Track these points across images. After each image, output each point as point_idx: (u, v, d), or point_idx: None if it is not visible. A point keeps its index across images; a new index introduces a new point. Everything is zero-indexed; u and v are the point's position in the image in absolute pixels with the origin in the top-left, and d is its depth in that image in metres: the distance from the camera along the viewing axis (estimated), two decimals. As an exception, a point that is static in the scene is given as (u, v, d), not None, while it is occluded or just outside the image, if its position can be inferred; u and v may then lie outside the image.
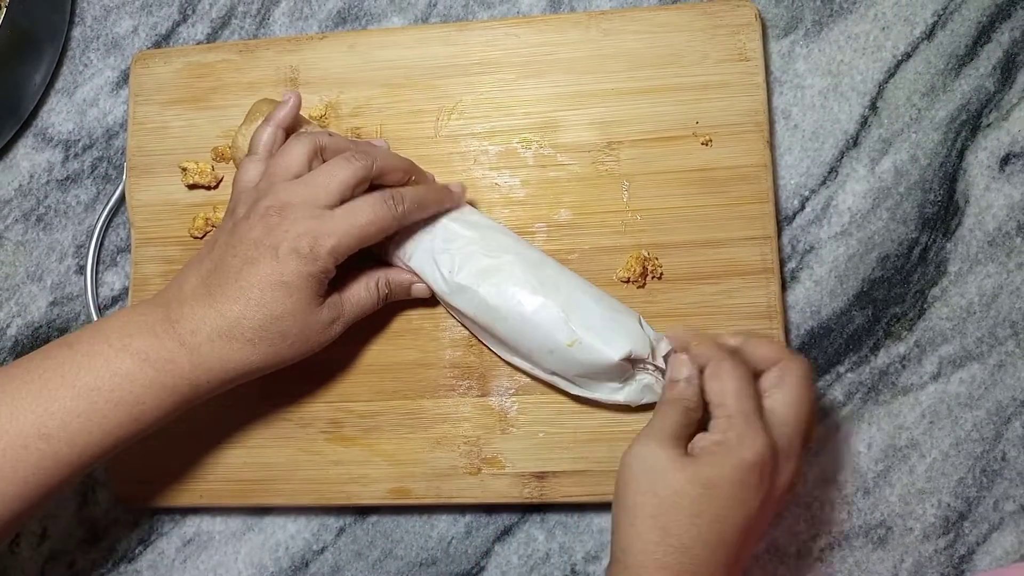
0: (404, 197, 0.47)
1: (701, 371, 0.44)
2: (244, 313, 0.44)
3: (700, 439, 0.42)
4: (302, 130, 0.51)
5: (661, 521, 0.40)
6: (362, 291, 0.49)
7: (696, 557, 0.40)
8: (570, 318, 0.47)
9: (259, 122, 0.51)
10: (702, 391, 0.44)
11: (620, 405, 0.50)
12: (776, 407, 0.42)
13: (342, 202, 0.46)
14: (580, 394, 0.50)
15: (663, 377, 0.49)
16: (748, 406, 0.41)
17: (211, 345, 0.44)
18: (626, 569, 0.41)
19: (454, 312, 0.52)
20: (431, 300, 0.53)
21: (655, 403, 0.49)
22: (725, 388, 0.42)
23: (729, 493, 0.40)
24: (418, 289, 0.51)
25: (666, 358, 0.47)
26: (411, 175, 0.50)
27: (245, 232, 0.45)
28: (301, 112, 0.55)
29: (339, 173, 0.46)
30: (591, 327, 0.47)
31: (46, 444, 0.42)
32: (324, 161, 0.47)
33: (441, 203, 0.50)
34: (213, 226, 0.56)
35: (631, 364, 0.48)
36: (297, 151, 0.47)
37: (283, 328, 0.45)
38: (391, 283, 0.50)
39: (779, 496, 0.42)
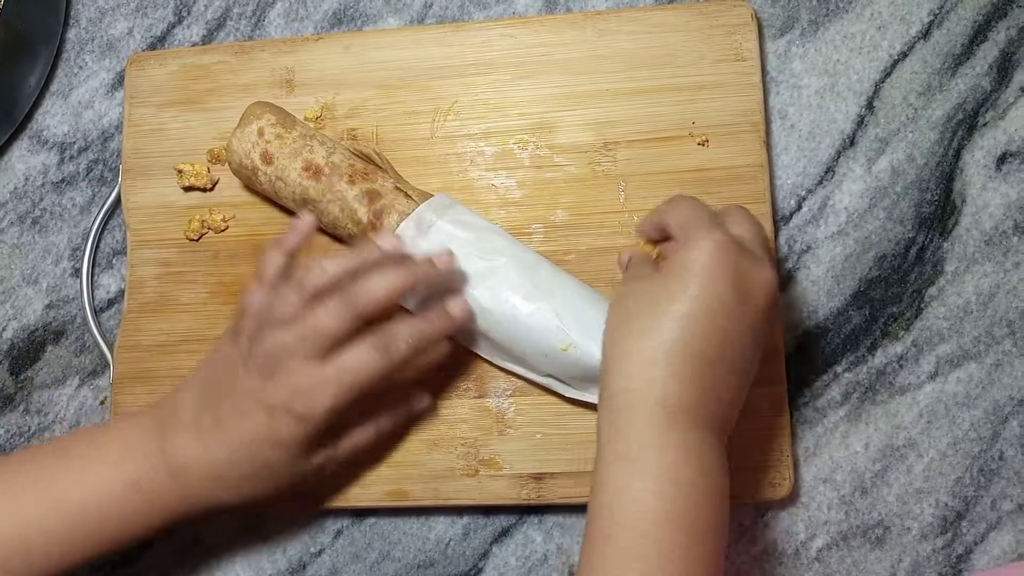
0: (399, 341, 0.45)
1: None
2: (233, 461, 0.45)
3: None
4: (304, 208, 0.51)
5: (637, 317, 0.40)
6: (358, 435, 0.49)
7: (676, 339, 0.39)
8: (564, 322, 0.47)
9: (253, 127, 0.51)
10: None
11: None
12: (728, 225, 0.43)
13: (335, 345, 0.44)
14: (576, 397, 0.50)
15: None
16: (701, 213, 0.42)
17: (199, 484, 0.46)
18: (610, 351, 0.41)
19: None
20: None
21: None
22: (678, 210, 0.43)
23: (699, 275, 0.39)
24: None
25: None
26: (405, 292, 0.47)
27: (241, 378, 0.45)
28: (297, 114, 0.55)
29: (329, 323, 0.44)
30: (586, 331, 0.47)
31: (25, 556, 0.43)
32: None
33: (440, 336, 0.48)
34: (209, 228, 0.56)
35: None
36: (291, 299, 0.45)
37: (271, 476, 0.46)
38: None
39: (757, 291, 0.41)
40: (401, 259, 0.47)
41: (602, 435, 0.41)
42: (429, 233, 0.49)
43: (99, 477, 0.45)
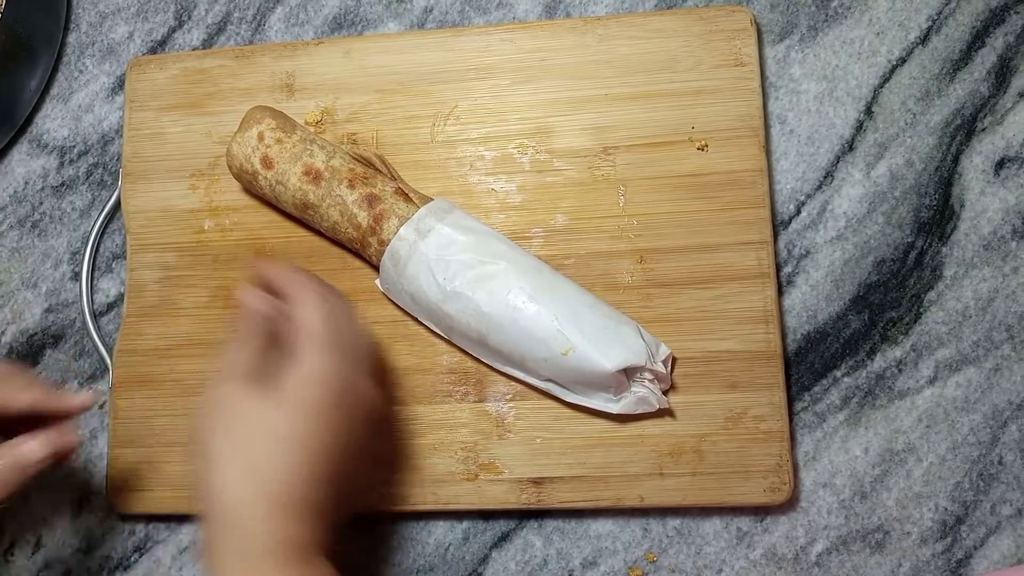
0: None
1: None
2: None
3: (282, 371, 0.41)
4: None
5: (249, 455, 0.39)
6: None
7: (290, 488, 0.38)
8: (564, 326, 0.47)
9: (253, 131, 0.52)
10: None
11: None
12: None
13: None
14: (575, 401, 0.50)
15: (659, 386, 0.49)
16: (324, 332, 0.41)
17: None
18: (223, 517, 0.38)
19: (442, 326, 0.51)
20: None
21: (650, 411, 0.49)
22: (302, 316, 0.42)
23: (314, 414, 0.40)
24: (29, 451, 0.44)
25: (663, 363, 0.47)
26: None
27: None
28: (297, 119, 0.55)
29: None
30: (586, 336, 0.47)
31: None
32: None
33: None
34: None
35: (627, 375, 0.48)
36: None
37: None
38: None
39: (357, 407, 0.42)
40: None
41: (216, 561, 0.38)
42: (428, 237, 0.50)
43: None
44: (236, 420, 0.40)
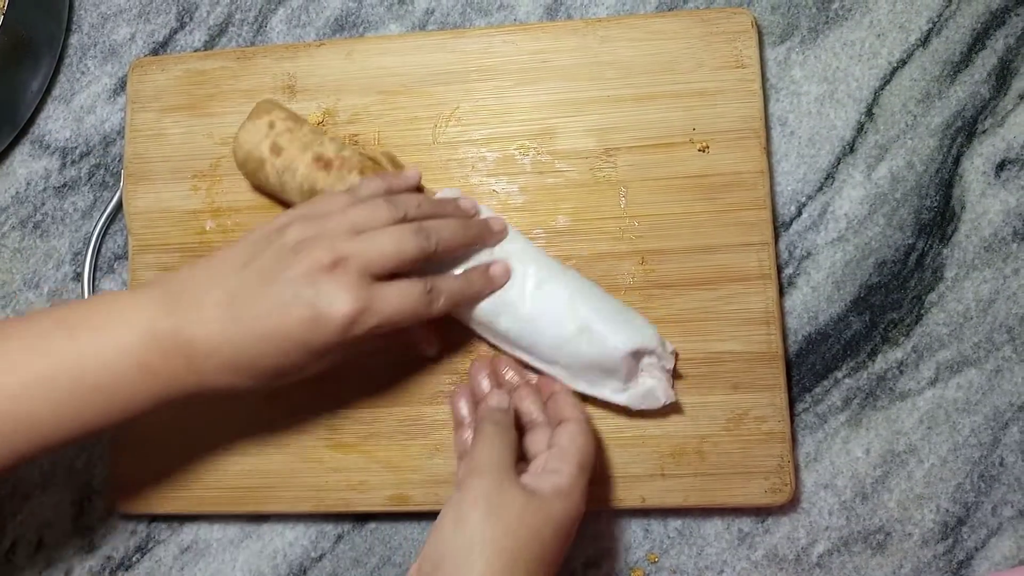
0: (441, 294, 0.46)
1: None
2: (260, 357, 0.43)
3: (543, 479, 0.43)
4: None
5: (515, 558, 0.40)
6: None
7: None
8: (577, 306, 0.47)
9: (263, 119, 0.52)
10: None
11: (619, 410, 0.50)
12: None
13: (393, 274, 0.44)
14: (582, 391, 0.50)
15: (670, 378, 0.49)
16: (588, 461, 0.45)
17: (218, 375, 0.43)
18: None
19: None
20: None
21: (655, 407, 0.49)
22: (585, 448, 0.45)
23: (564, 536, 0.43)
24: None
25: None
26: (469, 247, 0.49)
27: (287, 268, 0.43)
28: (304, 116, 0.55)
29: (402, 247, 0.44)
30: (599, 315, 0.47)
31: (10, 427, 0.42)
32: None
33: (478, 296, 0.48)
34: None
35: (636, 362, 0.48)
36: (380, 215, 0.45)
37: (293, 372, 0.44)
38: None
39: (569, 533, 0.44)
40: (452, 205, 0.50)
41: None
42: None
43: (102, 353, 0.42)
44: (503, 516, 0.41)
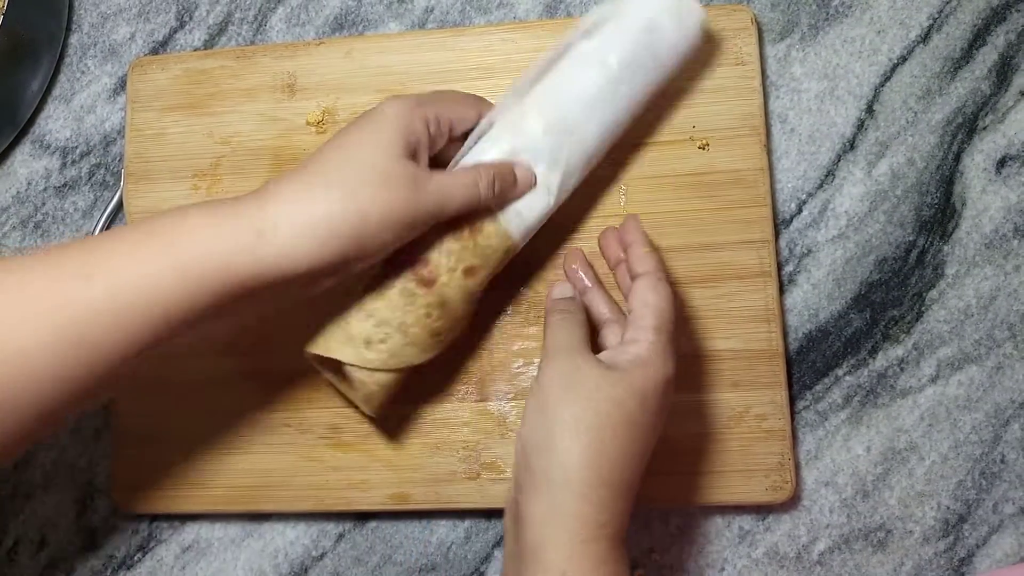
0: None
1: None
2: (323, 151, 0.42)
3: (620, 352, 0.41)
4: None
5: (601, 434, 0.39)
6: (466, 179, 0.44)
7: (623, 470, 0.39)
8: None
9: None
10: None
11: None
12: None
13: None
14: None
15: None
16: (669, 324, 0.42)
17: (286, 184, 0.40)
18: (553, 490, 0.38)
19: None
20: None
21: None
22: (659, 305, 0.43)
23: (654, 406, 0.40)
24: (524, 177, 0.47)
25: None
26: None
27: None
28: (298, 119, 0.55)
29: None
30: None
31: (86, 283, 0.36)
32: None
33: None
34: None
35: None
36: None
37: (363, 160, 0.41)
38: (501, 180, 0.46)
39: (664, 404, 0.42)
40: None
41: (552, 565, 0.38)
42: None
43: (145, 252, 0.37)
44: (593, 395, 0.39)
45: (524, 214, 0.48)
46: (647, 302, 0.43)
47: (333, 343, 0.45)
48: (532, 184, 0.48)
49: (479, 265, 0.47)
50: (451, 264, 0.46)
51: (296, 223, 0.39)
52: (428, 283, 0.45)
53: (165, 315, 0.37)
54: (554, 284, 0.48)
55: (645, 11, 0.49)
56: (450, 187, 0.44)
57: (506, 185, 0.46)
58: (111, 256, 0.37)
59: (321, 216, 0.39)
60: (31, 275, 0.36)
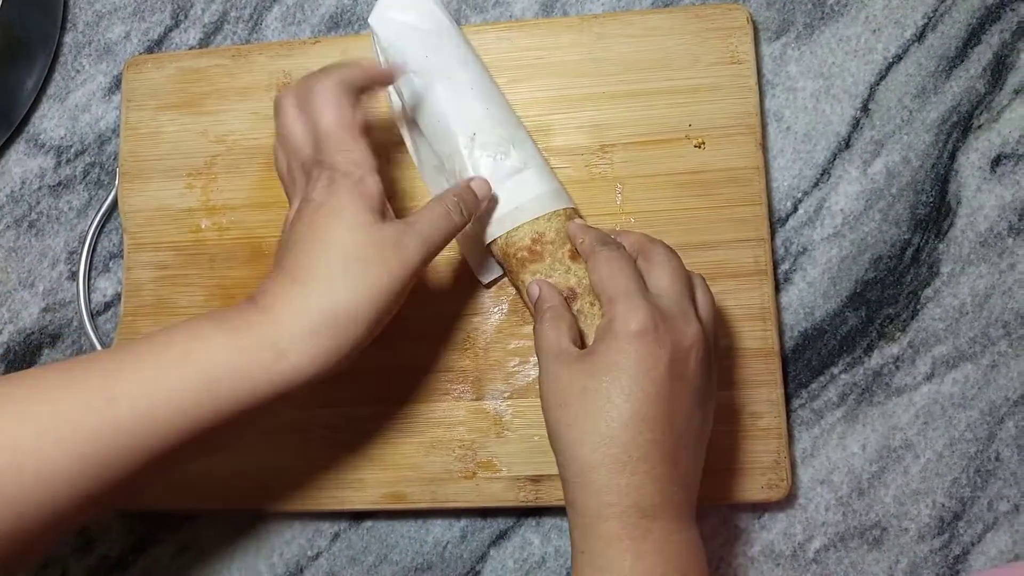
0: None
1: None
2: (330, 284, 0.40)
3: (594, 336, 0.42)
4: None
5: (577, 420, 0.40)
6: (440, 212, 0.44)
7: (618, 446, 0.39)
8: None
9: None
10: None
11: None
12: (652, 282, 0.43)
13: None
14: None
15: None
16: (624, 284, 0.42)
17: (300, 340, 0.39)
18: (572, 468, 0.40)
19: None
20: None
21: None
22: (602, 275, 0.43)
23: (631, 368, 0.39)
24: (481, 188, 0.47)
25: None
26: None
27: (310, 199, 0.43)
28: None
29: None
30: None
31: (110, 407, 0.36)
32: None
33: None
34: None
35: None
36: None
37: (348, 242, 0.41)
38: (464, 203, 0.46)
39: (689, 358, 0.41)
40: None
41: (576, 544, 0.41)
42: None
43: (168, 368, 0.37)
44: (570, 394, 0.41)
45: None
46: (595, 279, 0.43)
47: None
48: (488, 192, 0.48)
49: None
50: None
51: (305, 334, 0.39)
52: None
53: (190, 429, 0.37)
54: (531, 283, 0.47)
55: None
56: (428, 229, 0.43)
57: (471, 204, 0.46)
58: (135, 372, 0.37)
59: (325, 322, 0.39)
60: (55, 393, 0.36)
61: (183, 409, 0.37)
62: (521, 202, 0.49)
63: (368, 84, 0.47)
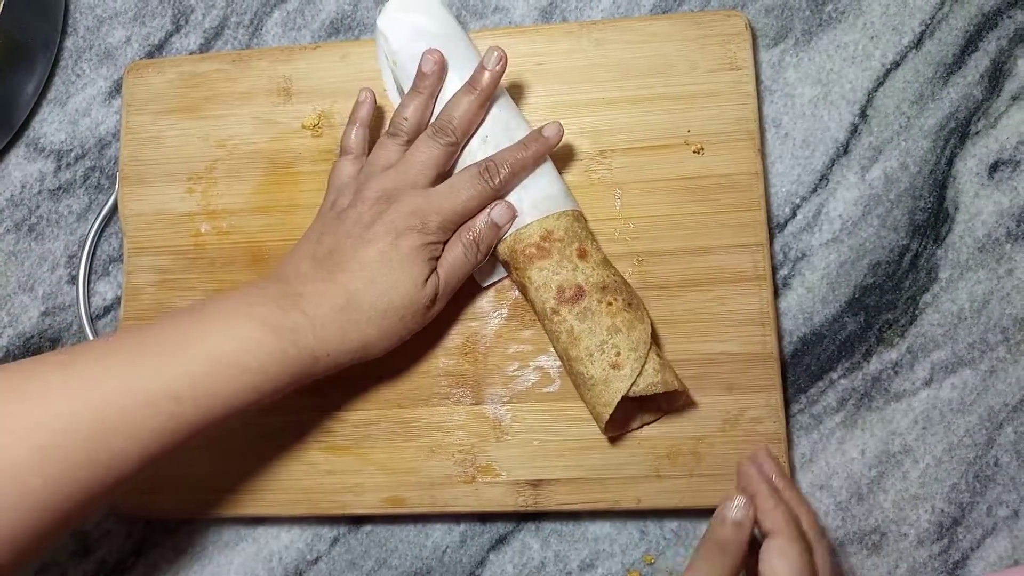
0: (499, 169, 0.49)
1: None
2: (363, 288, 0.47)
3: None
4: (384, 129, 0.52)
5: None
6: (458, 255, 0.49)
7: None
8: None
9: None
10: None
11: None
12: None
13: (440, 178, 0.50)
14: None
15: None
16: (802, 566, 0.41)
17: (332, 318, 0.46)
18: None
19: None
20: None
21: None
22: (787, 571, 0.41)
23: None
24: (503, 216, 0.50)
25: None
26: (484, 104, 0.51)
27: (356, 218, 0.48)
28: (294, 123, 0.56)
29: (425, 154, 0.49)
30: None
31: (175, 405, 0.41)
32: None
33: (538, 160, 0.50)
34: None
35: None
36: (390, 146, 0.51)
37: (396, 302, 0.47)
38: (480, 237, 0.49)
39: None
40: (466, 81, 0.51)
41: None
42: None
43: (232, 324, 0.44)
44: None
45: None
46: (774, 570, 0.41)
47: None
48: (512, 216, 0.50)
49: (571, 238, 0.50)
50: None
51: (341, 351, 0.47)
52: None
53: (240, 412, 0.45)
54: (727, 498, 0.44)
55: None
56: (449, 280, 0.49)
57: (490, 239, 0.50)
58: (193, 376, 0.43)
59: (358, 346, 0.47)
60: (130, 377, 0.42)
61: (237, 405, 0.44)
62: (534, 199, 0.49)
63: None
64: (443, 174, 0.50)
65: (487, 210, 0.49)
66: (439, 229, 0.48)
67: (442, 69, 0.50)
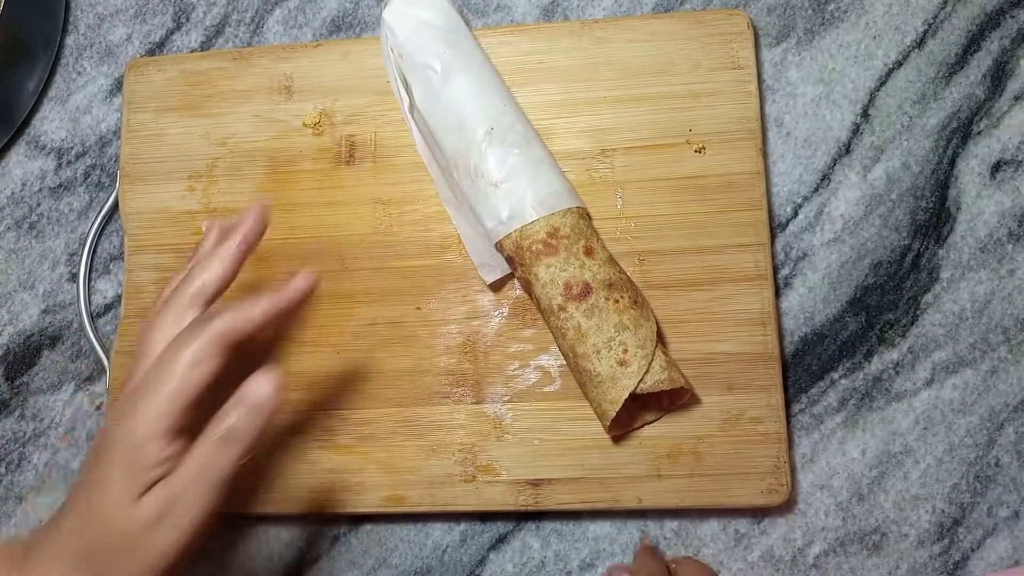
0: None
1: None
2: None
3: None
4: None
5: None
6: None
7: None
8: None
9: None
10: None
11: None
12: None
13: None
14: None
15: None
16: None
17: None
18: None
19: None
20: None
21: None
22: None
23: None
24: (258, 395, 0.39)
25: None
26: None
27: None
28: (295, 121, 0.55)
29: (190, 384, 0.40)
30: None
31: None
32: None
33: (292, 305, 0.41)
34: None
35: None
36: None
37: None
38: (236, 432, 0.39)
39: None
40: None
41: None
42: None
43: None
44: None
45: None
46: None
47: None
48: (271, 394, 0.39)
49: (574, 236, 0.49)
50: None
51: None
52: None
53: None
54: (612, 568, 0.49)
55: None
56: (181, 519, 0.40)
57: (250, 424, 0.39)
58: None
59: None
60: None
61: None
62: (539, 196, 0.50)
63: (250, 334, 0.40)
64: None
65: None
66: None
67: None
